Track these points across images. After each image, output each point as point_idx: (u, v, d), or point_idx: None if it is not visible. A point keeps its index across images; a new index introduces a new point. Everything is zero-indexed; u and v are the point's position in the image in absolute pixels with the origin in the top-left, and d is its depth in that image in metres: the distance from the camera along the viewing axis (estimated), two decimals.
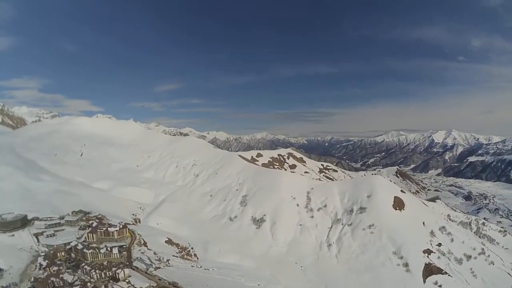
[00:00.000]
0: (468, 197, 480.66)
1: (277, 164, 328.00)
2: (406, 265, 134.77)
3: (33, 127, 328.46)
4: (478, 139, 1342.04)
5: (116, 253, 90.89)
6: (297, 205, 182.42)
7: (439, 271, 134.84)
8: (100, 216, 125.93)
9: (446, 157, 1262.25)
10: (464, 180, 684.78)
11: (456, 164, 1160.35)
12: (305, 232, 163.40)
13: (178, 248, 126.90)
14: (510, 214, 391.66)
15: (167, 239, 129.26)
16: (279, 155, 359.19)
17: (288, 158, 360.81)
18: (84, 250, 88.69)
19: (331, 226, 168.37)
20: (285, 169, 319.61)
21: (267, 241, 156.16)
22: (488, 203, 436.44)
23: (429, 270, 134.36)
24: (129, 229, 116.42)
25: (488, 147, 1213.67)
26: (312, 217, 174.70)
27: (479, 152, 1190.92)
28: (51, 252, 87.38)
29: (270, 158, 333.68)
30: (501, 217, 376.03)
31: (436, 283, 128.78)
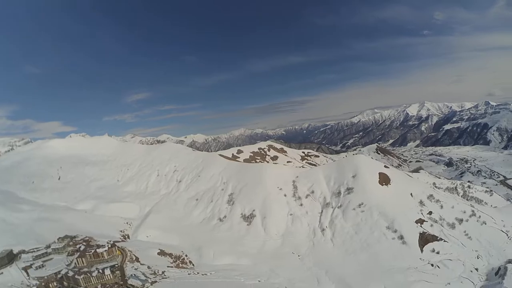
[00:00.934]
0: (449, 164, 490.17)
1: (259, 158, 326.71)
2: (401, 237, 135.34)
3: (5, 157, 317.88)
4: (451, 107, 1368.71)
5: (109, 274, 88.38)
6: (285, 195, 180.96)
7: (434, 238, 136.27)
8: (87, 238, 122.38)
9: (423, 129, 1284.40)
10: (443, 148, 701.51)
11: (433, 134, 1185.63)
12: (296, 221, 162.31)
13: (171, 258, 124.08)
14: (493, 174, 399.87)
15: (159, 251, 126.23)
16: (259, 148, 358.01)
17: (269, 150, 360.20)
18: (76, 276, 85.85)
19: (322, 211, 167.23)
20: (268, 162, 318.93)
21: (260, 236, 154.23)
22: (469, 167, 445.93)
23: (425, 239, 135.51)
24: (118, 247, 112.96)
25: (462, 113, 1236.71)
26: (301, 205, 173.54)
27: (454, 119, 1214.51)
28: (43, 284, 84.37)
29: (251, 153, 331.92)
30: (484, 178, 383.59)
31: (433, 250, 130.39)
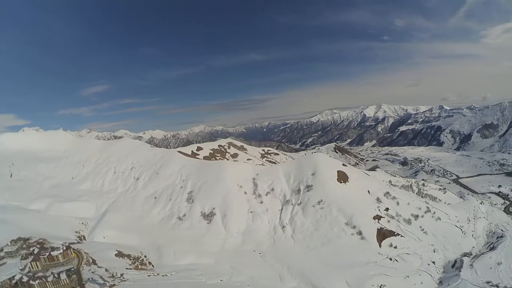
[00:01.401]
0: (404, 163, 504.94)
1: (219, 155, 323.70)
2: (360, 233, 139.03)
3: None
4: (406, 110, 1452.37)
5: (65, 279, 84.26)
6: (245, 193, 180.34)
7: (392, 233, 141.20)
8: (41, 240, 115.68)
9: (379, 129, 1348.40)
10: (398, 148, 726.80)
11: (388, 135, 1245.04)
12: (257, 219, 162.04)
13: (130, 260, 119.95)
14: (446, 173, 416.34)
15: (117, 252, 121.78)
16: (219, 146, 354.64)
17: (229, 147, 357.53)
18: (31, 281, 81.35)
19: (282, 208, 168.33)
20: (228, 159, 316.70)
21: (221, 234, 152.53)
22: (423, 166, 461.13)
23: (382, 234, 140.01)
24: (74, 249, 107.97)
25: (416, 116, 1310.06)
26: (261, 202, 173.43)
27: (409, 121, 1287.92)
28: None
29: (211, 150, 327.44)
30: (438, 177, 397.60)
31: (391, 245, 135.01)
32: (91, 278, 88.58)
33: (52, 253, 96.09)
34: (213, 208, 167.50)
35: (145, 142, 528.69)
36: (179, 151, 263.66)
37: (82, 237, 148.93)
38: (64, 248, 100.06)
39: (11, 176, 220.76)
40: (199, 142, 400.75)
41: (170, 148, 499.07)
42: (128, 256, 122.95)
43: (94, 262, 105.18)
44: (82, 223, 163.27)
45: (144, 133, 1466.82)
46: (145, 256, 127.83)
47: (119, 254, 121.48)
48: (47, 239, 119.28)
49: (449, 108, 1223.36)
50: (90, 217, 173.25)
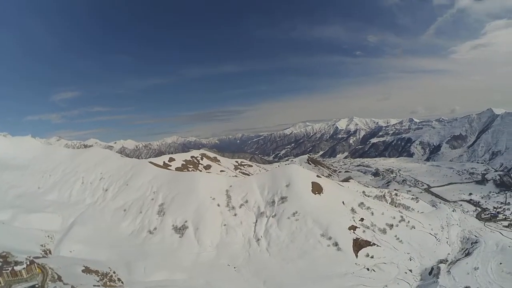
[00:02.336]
0: (376, 174, 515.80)
1: (191, 166, 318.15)
2: (336, 244, 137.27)
3: None
4: (377, 123, 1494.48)
5: None
6: (218, 205, 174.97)
7: (368, 243, 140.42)
8: (4, 253, 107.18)
9: (351, 141, 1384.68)
10: (370, 159, 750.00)
11: (360, 147, 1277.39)
12: (231, 232, 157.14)
13: (98, 276, 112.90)
14: (417, 183, 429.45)
15: (84, 268, 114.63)
16: (192, 157, 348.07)
17: (202, 159, 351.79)
18: None
19: (256, 221, 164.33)
20: (200, 171, 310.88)
21: (193, 248, 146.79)
22: (395, 176, 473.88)
23: (358, 245, 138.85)
24: (38, 264, 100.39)
25: (387, 128, 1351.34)
26: (235, 215, 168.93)
27: (380, 133, 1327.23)
28: None
29: (183, 161, 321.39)
30: (409, 187, 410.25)
31: (367, 255, 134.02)
32: None
33: (15, 268, 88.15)
34: (185, 221, 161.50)
35: (116, 152, 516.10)
36: (150, 162, 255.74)
37: (47, 251, 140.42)
38: (28, 263, 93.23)
39: None
40: (172, 153, 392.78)
41: (142, 158, 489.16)
42: (96, 272, 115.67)
43: (59, 278, 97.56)
44: (48, 236, 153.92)
45: (115, 142, 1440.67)
46: (114, 272, 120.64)
47: (86, 270, 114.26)
48: (10, 252, 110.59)
49: (418, 121, 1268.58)
50: (57, 229, 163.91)
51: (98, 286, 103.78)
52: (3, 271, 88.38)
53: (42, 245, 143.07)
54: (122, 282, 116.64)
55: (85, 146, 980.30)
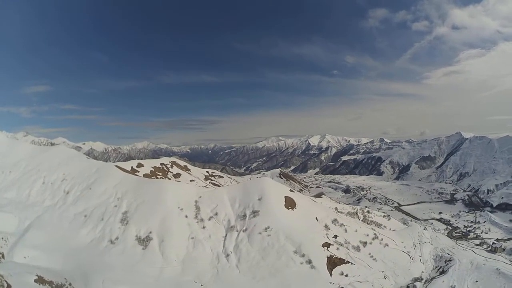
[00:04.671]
0: (347, 191, 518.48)
1: (160, 174, 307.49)
2: (309, 262, 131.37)
3: None
4: (349, 141, 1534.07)
5: None
6: (186, 216, 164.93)
7: (342, 261, 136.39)
8: None
9: (322, 158, 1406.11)
10: (340, 176, 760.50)
11: (331, 163, 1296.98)
12: (198, 246, 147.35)
13: (52, 287, 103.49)
14: (387, 201, 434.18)
15: (37, 277, 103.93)
16: (162, 164, 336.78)
17: (171, 167, 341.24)
18: None
19: (226, 235, 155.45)
20: (169, 179, 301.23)
21: (157, 262, 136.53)
22: (366, 194, 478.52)
23: (332, 262, 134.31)
24: None
25: (358, 147, 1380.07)
26: (203, 227, 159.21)
27: (351, 152, 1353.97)
28: None
29: (152, 168, 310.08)
30: (380, 204, 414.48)
31: (342, 273, 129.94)
32: None
33: None
34: (150, 232, 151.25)
35: (84, 153, 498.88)
36: (117, 166, 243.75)
37: (0, 255, 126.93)
38: None
39: None
40: (142, 159, 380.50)
41: (110, 162, 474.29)
42: (50, 283, 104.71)
43: (9, 287, 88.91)
44: (2, 238, 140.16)
45: (84, 143, 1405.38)
46: (70, 284, 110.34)
47: (40, 280, 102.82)
48: None
49: (389, 141, 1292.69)
50: (12, 231, 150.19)
51: None
52: None
53: None
54: None
55: (52, 144, 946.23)
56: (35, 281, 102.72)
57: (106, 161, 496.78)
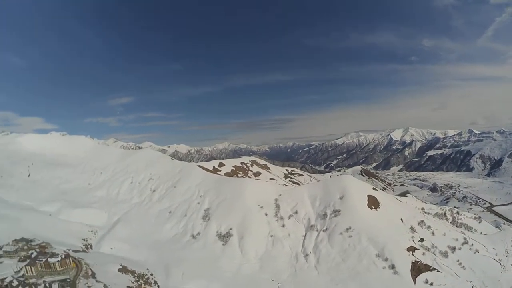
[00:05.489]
0: (434, 189, 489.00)
1: (241, 172, 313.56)
2: (392, 267, 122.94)
3: None
4: (434, 134, 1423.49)
5: None
6: (266, 214, 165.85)
7: (427, 268, 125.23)
8: (43, 244, 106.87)
9: (406, 153, 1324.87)
10: (426, 173, 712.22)
11: (416, 159, 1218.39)
12: (277, 244, 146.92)
13: (134, 277, 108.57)
14: (478, 201, 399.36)
15: (121, 267, 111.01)
16: (242, 163, 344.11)
17: (251, 165, 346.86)
18: (20, 287, 74.37)
19: (305, 234, 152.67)
20: (250, 177, 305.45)
21: (236, 258, 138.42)
22: (454, 193, 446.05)
23: (417, 269, 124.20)
24: (74, 258, 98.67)
25: (445, 140, 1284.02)
26: (283, 226, 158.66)
27: (437, 146, 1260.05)
28: None
29: (233, 167, 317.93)
30: (470, 205, 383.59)
31: (426, 281, 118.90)
32: None
33: (49, 259, 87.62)
34: (230, 229, 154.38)
35: (169, 155, 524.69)
36: (199, 165, 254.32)
37: (88, 246, 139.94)
38: (63, 256, 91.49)
39: (28, 176, 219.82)
40: (223, 159, 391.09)
41: (193, 162, 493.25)
42: (133, 272, 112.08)
43: (93, 275, 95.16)
44: (91, 231, 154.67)
45: (169, 146, 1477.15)
46: (151, 274, 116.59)
47: (123, 269, 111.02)
48: (50, 243, 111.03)
49: (478, 132, 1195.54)
50: (101, 225, 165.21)
51: (132, 287, 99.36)
52: (37, 262, 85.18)
53: (84, 239, 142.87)
54: (158, 286, 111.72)
55: (139, 148, 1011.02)
56: (119, 270, 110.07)
57: (190, 162, 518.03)
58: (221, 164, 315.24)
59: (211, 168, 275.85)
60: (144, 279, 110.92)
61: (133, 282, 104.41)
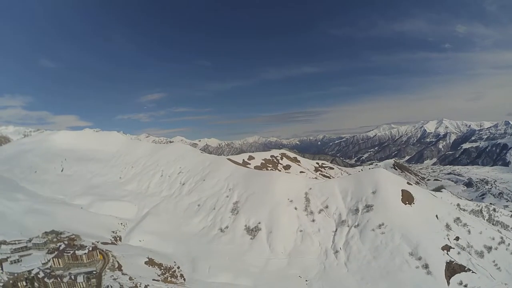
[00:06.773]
0: (469, 184, 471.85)
1: (271, 165, 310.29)
2: (426, 266, 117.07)
3: (13, 145, 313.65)
4: (469, 126, 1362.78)
5: (82, 282, 76.12)
6: (295, 208, 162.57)
7: (462, 268, 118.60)
8: (73, 236, 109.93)
9: (440, 146, 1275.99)
10: (461, 167, 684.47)
11: (450, 152, 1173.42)
12: (306, 239, 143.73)
13: (160, 269, 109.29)
14: None
15: (148, 259, 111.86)
16: (272, 156, 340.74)
17: (281, 159, 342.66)
18: (46, 279, 74.07)
19: (336, 230, 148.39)
20: (279, 170, 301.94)
21: (264, 253, 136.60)
22: (490, 188, 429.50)
23: (452, 269, 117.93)
24: (101, 251, 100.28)
25: (481, 132, 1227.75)
26: (313, 221, 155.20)
27: (473, 138, 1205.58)
28: (10, 282, 75.13)
29: (262, 160, 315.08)
30: (506, 201, 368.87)
31: (460, 283, 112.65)
32: (110, 286, 79.41)
33: (77, 252, 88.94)
34: (259, 223, 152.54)
35: (200, 149, 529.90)
36: (229, 159, 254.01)
37: (118, 238, 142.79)
38: (90, 249, 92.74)
39: (62, 170, 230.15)
40: (253, 152, 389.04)
41: (223, 156, 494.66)
42: (160, 265, 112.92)
43: (119, 267, 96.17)
44: (121, 224, 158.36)
45: (200, 140, 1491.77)
46: (178, 267, 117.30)
47: (150, 262, 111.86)
48: (80, 235, 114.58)
49: None
50: (131, 218, 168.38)
51: (158, 280, 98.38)
52: (64, 254, 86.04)
53: (113, 232, 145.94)
54: (184, 279, 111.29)
55: (171, 142, 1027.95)
56: (145, 263, 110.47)
57: (220, 155, 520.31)
58: (250, 157, 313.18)
59: (240, 161, 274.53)
60: (170, 272, 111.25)
61: (159, 275, 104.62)
